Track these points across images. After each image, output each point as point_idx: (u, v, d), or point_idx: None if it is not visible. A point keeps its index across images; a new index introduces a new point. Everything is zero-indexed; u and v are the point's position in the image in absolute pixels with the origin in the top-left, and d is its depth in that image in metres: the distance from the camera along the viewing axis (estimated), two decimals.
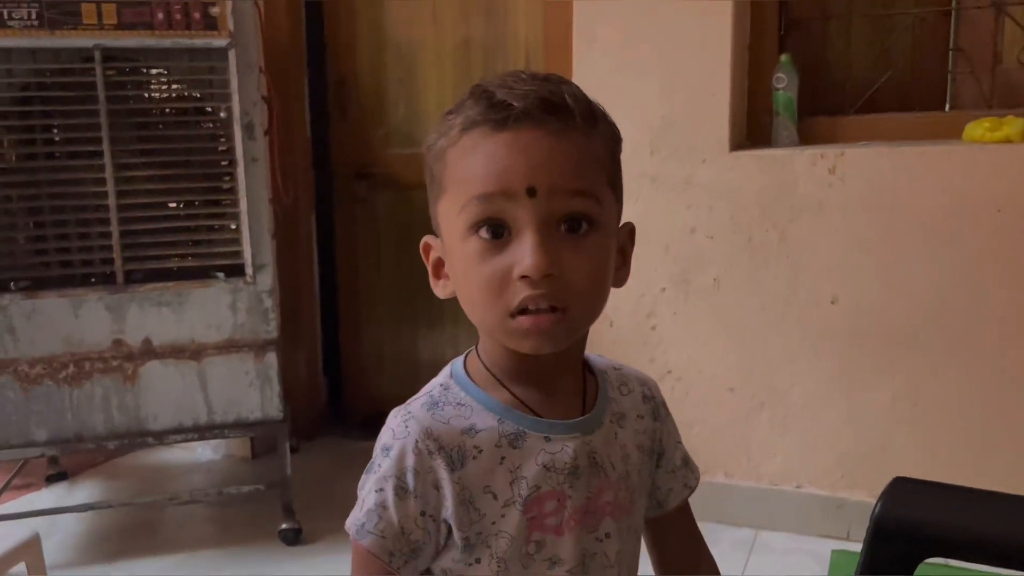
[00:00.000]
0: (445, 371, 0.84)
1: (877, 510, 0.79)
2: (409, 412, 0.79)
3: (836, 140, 2.39)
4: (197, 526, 2.59)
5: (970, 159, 2.14)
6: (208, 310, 2.29)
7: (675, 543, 0.94)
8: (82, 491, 2.82)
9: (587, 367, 0.86)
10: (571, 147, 0.73)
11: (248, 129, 2.27)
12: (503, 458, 0.77)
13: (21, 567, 2.15)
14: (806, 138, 2.39)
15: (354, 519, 0.77)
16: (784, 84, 2.35)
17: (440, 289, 0.82)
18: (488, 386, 0.80)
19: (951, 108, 2.40)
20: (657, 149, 2.37)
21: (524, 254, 0.71)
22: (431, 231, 0.83)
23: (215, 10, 2.20)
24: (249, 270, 2.30)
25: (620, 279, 0.82)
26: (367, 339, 3.31)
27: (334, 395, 3.42)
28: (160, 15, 2.15)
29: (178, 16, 2.16)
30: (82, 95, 2.16)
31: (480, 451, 0.77)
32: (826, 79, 2.50)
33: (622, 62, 2.40)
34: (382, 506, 0.76)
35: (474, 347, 0.84)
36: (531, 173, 0.72)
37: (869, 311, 2.26)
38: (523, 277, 0.71)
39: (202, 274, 2.31)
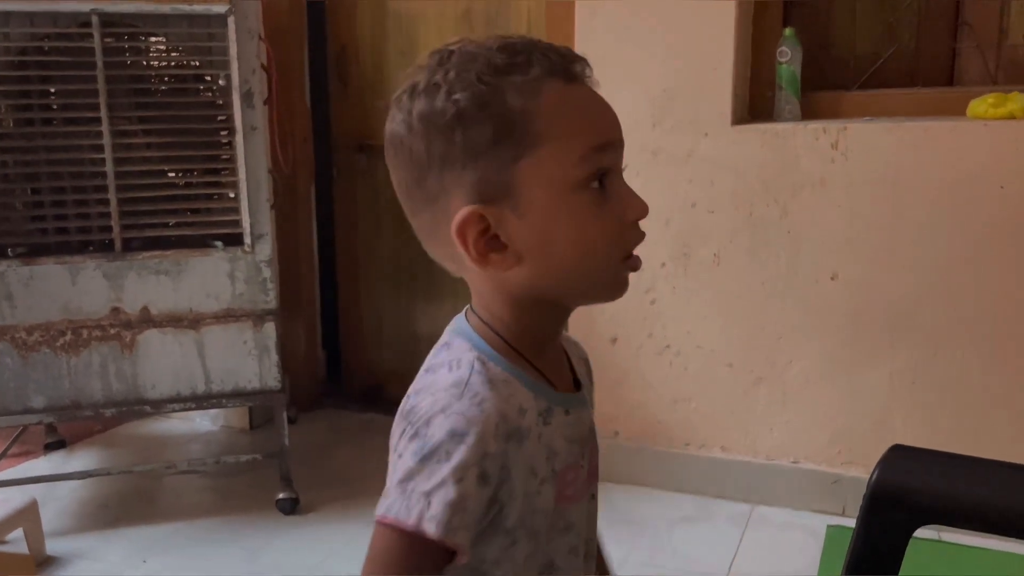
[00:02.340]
0: (462, 344, 0.77)
1: (874, 476, 0.79)
2: (476, 394, 0.71)
3: (839, 115, 2.38)
4: (195, 495, 2.60)
5: (973, 135, 2.12)
6: (206, 279, 2.29)
7: None
8: (80, 459, 2.83)
9: None
10: None
11: (247, 97, 2.25)
12: (540, 435, 0.75)
13: (19, 533, 2.16)
14: (809, 113, 2.38)
15: (427, 515, 0.68)
16: (787, 58, 2.33)
17: (495, 265, 0.73)
18: (513, 359, 0.76)
19: (956, 84, 2.38)
20: (659, 122, 2.35)
21: (630, 199, 0.74)
22: None
23: None
24: (248, 239, 2.29)
25: None
26: (366, 311, 3.31)
27: (333, 367, 3.43)
28: None
29: None
30: (80, 61, 2.14)
31: (529, 430, 0.74)
32: (830, 53, 2.47)
33: (625, 34, 2.37)
34: (465, 497, 0.68)
35: (473, 317, 0.79)
36: (616, 124, 0.74)
37: (869, 288, 2.26)
38: (634, 221, 0.75)
39: (200, 243, 2.30)
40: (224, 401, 2.39)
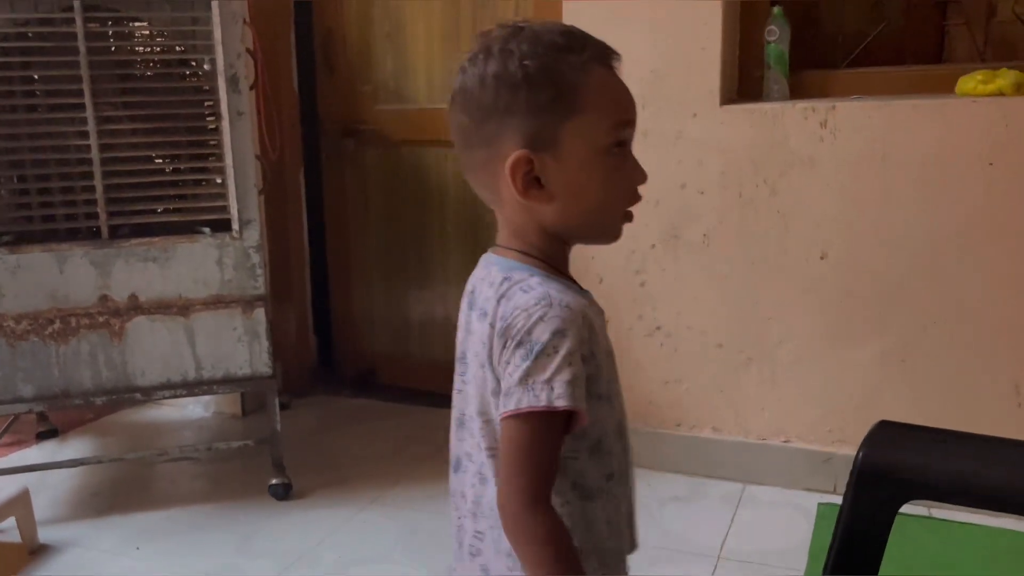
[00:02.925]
0: (520, 273, 0.95)
1: (861, 453, 0.79)
2: (560, 301, 0.91)
3: (828, 94, 2.37)
4: (187, 482, 2.59)
5: (962, 112, 2.12)
6: (195, 266, 2.28)
7: None
8: (72, 447, 2.82)
9: None
10: None
11: (233, 82, 2.23)
12: (592, 323, 0.95)
13: (11, 521, 2.16)
14: (797, 92, 2.37)
15: (554, 396, 0.88)
16: (776, 37, 2.33)
17: (533, 199, 0.93)
18: (557, 276, 0.97)
19: (945, 61, 2.38)
20: (647, 103, 2.34)
21: (638, 167, 0.96)
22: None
23: None
24: (236, 225, 2.28)
25: None
26: (357, 296, 3.30)
27: (324, 352, 3.42)
28: None
29: None
30: (63, 46, 2.12)
31: (594, 320, 0.95)
32: (818, 32, 2.47)
33: (612, 14, 2.36)
34: (578, 375, 0.89)
35: (507, 251, 0.98)
36: (635, 106, 0.96)
37: (859, 266, 2.26)
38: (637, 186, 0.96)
39: (188, 229, 2.29)
40: (215, 388, 2.38)
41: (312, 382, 3.33)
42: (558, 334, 0.89)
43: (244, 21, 2.28)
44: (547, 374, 0.89)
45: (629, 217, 0.97)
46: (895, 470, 0.79)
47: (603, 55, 0.94)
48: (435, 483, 2.51)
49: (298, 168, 3.21)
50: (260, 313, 2.34)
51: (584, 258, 2.52)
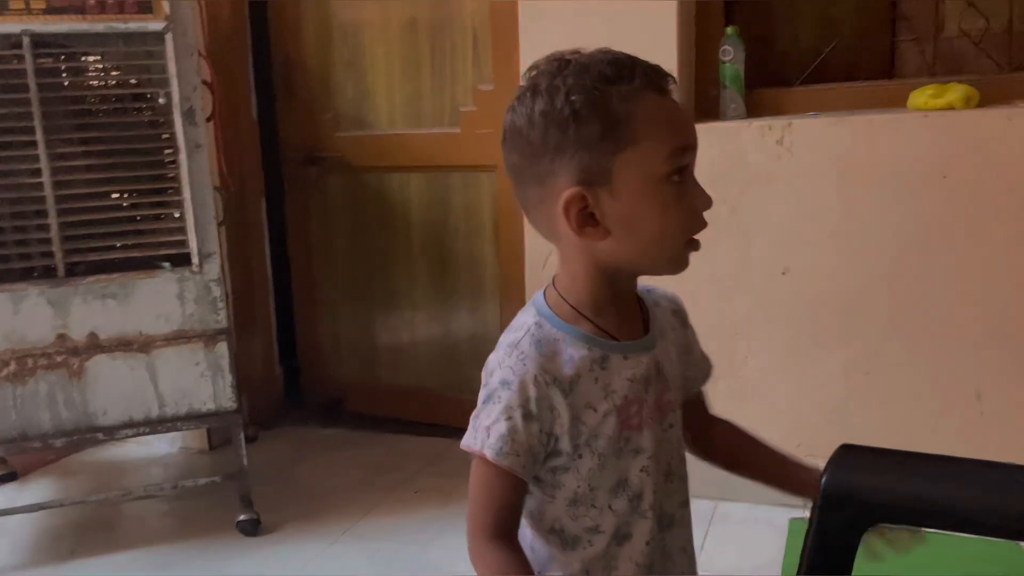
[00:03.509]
0: (530, 310, 0.97)
1: (824, 479, 0.79)
2: (522, 352, 0.91)
3: (783, 111, 2.40)
4: (154, 521, 2.54)
5: (915, 127, 2.16)
6: (155, 301, 2.24)
7: (700, 417, 1.15)
8: (32, 491, 2.76)
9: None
10: None
11: (189, 115, 2.21)
12: (596, 379, 0.94)
13: None
14: (754, 110, 2.40)
15: (486, 444, 0.90)
16: (730, 56, 2.35)
17: (588, 236, 0.91)
18: (572, 319, 0.95)
19: (896, 77, 2.42)
20: None
21: (701, 193, 0.92)
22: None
23: None
24: (196, 259, 2.25)
25: None
26: (323, 325, 3.27)
27: (291, 383, 3.38)
28: None
29: None
30: (12, 83, 2.09)
31: (579, 376, 0.93)
32: (772, 50, 2.50)
33: (568, 37, 2.35)
34: (513, 430, 0.90)
35: (550, 288, 0.98)
36: (694, 130, 0.93)
37: (820, 281, 2.28)
38: (701, 211, 0.92)
39: (147, 265, 2.26)
40: (179, 424, 2.35)
41: (279, 413, 3.29)
42: (505, 385, 0.91)
43: (199, 53, 2.27)
44: (488, 420, 0.91)
45: (695, 245, 0.94)
46: (859, 495, 0.79)
47: (654, 81, 0.90)
48: (407, 512, 2.48)
49: (260, 198, 3.19)
50: (223, 347, 2.31)
51: (549, 279, 2.52)
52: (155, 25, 2.14)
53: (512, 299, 2.78)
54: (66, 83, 2.21)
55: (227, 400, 2.33)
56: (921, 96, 2.16)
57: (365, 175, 3.06)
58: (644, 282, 1.04)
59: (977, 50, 2.32)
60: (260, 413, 3.16)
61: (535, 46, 2.40)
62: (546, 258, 2.53)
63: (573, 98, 0.87)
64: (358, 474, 2.77)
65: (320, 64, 3.08)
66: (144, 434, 2.33)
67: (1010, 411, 2.17)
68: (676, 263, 0.95)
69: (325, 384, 3.30)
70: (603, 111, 0.87)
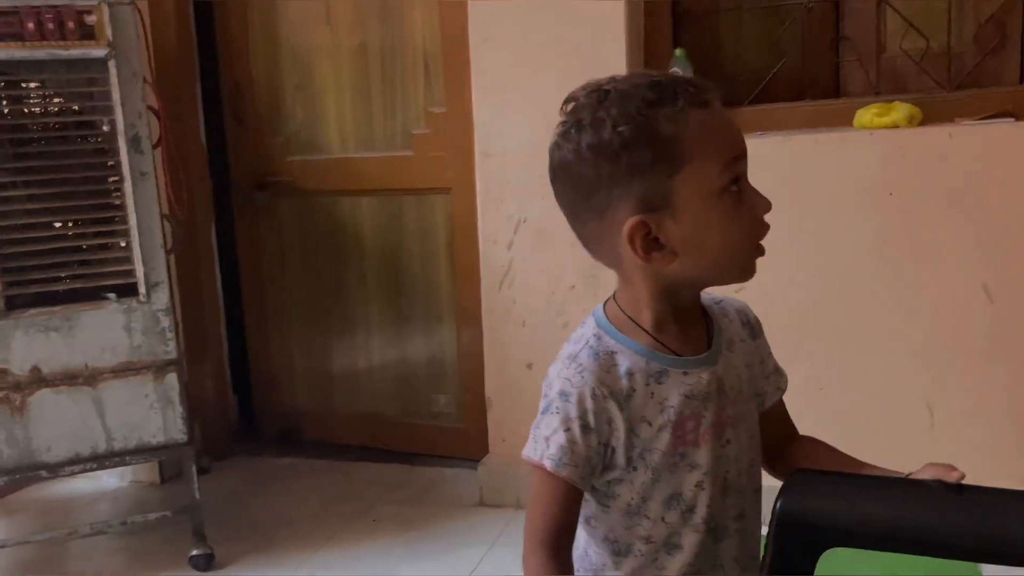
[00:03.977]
0: (590, 323, 0.98)
1: (779, 504, 0.80)
2: (580, 364, 0.93)
3: None
4: (104, 558, 2.47)
5: (861, 145, 2.19)
6: (101, 333, 2.19)
7: (777, 433, 1.12)
8: None
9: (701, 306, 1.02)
10: None
11: (134, 142, 2.17)
12: (652, 393, 0.94)
13: None
14: None
15: (546, 454, 0.91)
16: None
17: (656, 262, 0.91)
18: (632, 332, 0.95)
19: (842, 96, 2.46)
20: None
21: (759, 197, 0.91)
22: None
23: (91, 18, 2.09)
24: (143, 289, 2.20)
25: None
26: (276, 352, 3.22)
27: (245, 412, 3.32)
28: (31, 25, 2.03)
29: (51, 25, 2.05)
30: None
31: (635, 390, 0.93)
32: (720, 71, 2.53)
33: (519, 60, 2.38)
34: (572, 441, 0.91)
35: (611, 301, 0.98)
36: (742, 138, 0.92)
37: (773, 298, 2.29)
38: (763, 216, 0.91)
39: (92, 296, 2.20)
40: (128, 459, 2.29)
41: (233, 443, 3.22)
42: (563, 396, 0.93)
43: (144, 79, 2.23)
44: (547, 431, 0.93)
45: (761, 251, 0.93)
46: (813, 519, 0.79)
47: (697, 96, 0.89)
48: (366, 541, 2.44)
49: (209, 224, 3.14)
50: (173, 378, 2.26)
51: (506, 300, 2.51)
52: (98, 52, 2.10)
53: (468, 322, 2.76)
54: (6, 111, 2.16)
55: (178, 432, 2.28)
56: (867, 115, 2.20)
57: (317, 199, 3.03)
58: (712, 292, 1.04)
59: (918, 69, 2.37)
60: (213, 444, 3.09)
61: (486, 69, 2.41)
62: (500, 280, 2.52)
63: (620, 128, 0.87)
64: (314, 504, 2.72)
65: (270, 88, 3.05)
66: (91, 470, 2.27)
67: (960, 422, 2.20)
68: (745, 272, 0.94)
69: (280, 413, 3.25)
70: (652, 137, 0.87)
